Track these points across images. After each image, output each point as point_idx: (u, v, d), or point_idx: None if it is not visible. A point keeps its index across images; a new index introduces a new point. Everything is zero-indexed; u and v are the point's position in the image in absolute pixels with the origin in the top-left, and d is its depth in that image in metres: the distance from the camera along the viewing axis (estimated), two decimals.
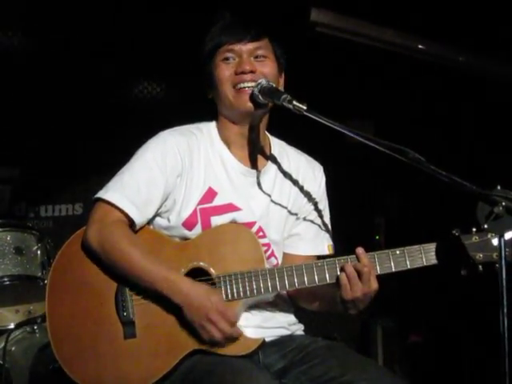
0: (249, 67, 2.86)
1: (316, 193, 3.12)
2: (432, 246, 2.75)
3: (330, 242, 3.14)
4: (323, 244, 3.12)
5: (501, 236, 2.33)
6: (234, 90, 2.89)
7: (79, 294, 2.80)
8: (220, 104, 2.98)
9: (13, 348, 4.35)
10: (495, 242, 2.61)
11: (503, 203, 2.29)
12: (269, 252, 2.97)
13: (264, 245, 2.92)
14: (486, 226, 2.43)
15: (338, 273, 2.74)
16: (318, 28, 5.27)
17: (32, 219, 5.92)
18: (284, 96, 2.73)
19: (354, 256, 2.74)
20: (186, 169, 2.90)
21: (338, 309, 2.85)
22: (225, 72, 2.90)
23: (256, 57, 2.92)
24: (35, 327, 4.46)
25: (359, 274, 2.68)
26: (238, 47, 2.90)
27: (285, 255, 3.08)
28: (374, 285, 2.71)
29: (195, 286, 2.72)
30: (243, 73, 2.86)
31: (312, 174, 3.14)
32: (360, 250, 2.72)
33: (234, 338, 2.70)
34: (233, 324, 2.69)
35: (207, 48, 2.96)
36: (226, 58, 2.91)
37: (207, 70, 2.98)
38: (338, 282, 2.72)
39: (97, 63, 5.83)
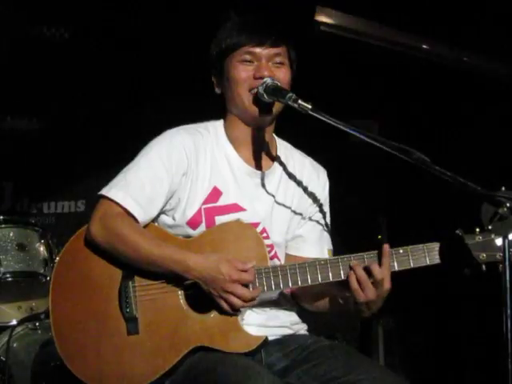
0: (268, 73, 2.85)
1: (320, 196, 3.12)
2: (435, 246, 2.75)
3: (330, 247, 3.14)
4: (325, 246, 3.12)
5: (505, 237, 2.33)
6: (250, 93, 2.88)
7: (83, 290, 2.81)
8: (231, 103, 2.97)
9: (15, 344, 4.35)
10: (499, 241, 2.60)
11: (508, 204, 2.29)
12: (272, 253, 2.97)
13: (267, 246, 2.91)
14: (490, 227, 2.43)
15: (341, 271, 2.75)
16: (322, 27, 5.27)
17: (35, 215, 5.94)
18: (289, 95, 2.73)
19: (358, 255, 2.75)
20: (192, 168, 2.90)
21: (347, 310, 2.87)
22: (242, 74, 2.89)
23: (274, 63, 2.91)
24: (37, 324, 4.46)
25: (372, 274, 2.69)
26: (258, 51, 2.88)
27: (288, 257, 3.08)
28: (387, 285, 2.71)
29: (204, 261, 2.72)
30: (262, 78, 2.85)
31: (316, 177, 3.14)
32: (386, 248, 2.72)
33: (255, 299, 2.71)
34: (251, 282, 2.71)
35: (224, 46, 2.93)
36: (244, 60, 2.90)
37: (218, 65, 2.97)
38: (348, 286, 2.72)
39: (101, 61, 5.84)
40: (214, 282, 2.68)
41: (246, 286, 2.71)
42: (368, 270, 2.70)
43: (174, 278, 2.75)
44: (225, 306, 2.70)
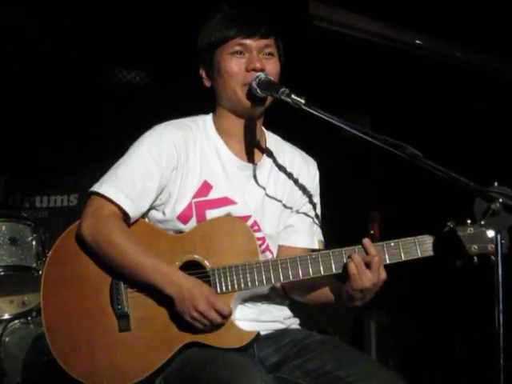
0: (259, 65, 2.84)
1: (310, 187, 3.12)
2: (426, 238, 2.75)
3: (321, 238, 3.14)
4: (315, 237, 3.13)
5: (498, 232, 2.33)
6: (243, 87, 2.87)
7: (74, 287, 2.80)
8: (222, 95, 2.96)
9: (7, 338, 4.36)
10: (490, 233, 2.63)
11: (500, 200, 2.29)
12: (264, 246, 2.97)
13: (259, 239, 2.92)
14: (483, 223, 2.44)
15: (333, 265, 2.76)
16: (315, 22, 5.27)
17: (27, 210, 5.92)
18: (282, 89, 2.72)
19: (349, 248, 2.76)
20: (182, 162, 2.89)
21: (339, 301, 2.88)
22: (235, 67, 2.88)
23: (264, 54, 2.90)
24: (29, 318, 4.47)
25: (368, 264, 2.69)
26: (248, 42, 2.88)
27: (279, 247, 3.08)
28: (383, 274, 2.72)
29: (186, 278, 2.73)
30: (254, 70, 2.84)
31: (306, 168, 3.14)
32: (367, 241, 2.73)
33: (223, 325, 2.71)
34: (224, 315, 2.69)
35: (214, 38, 2.92)
36: (235, 52, 2.89)
37: (208, 59, 2.96)
38: (346, 273, 2.73)
39: (89, 51, 5.83)
40: (189, 299, 2.67)
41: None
42: (365, 259, 2.71)
43: (152, 289, 2.75)
44: (196, 324, 2.70)
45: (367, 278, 2.69)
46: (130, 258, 2.74)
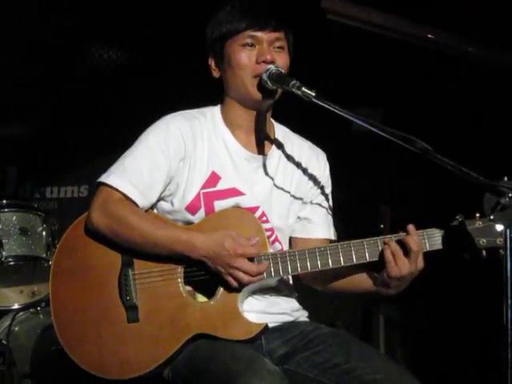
0: (270, 57, 2.84)
1: (321, 178, 3.12)
2: (435, 231, 2.76)
3: (334, 229, 3.16)
4: (331, 228, 3.14)
5: (507, 227, 2.33)
6: (253, 79, 2.87)
7: (83, 278, 2.81)
8: (232, 87, 2.96)
9: (16, 328, 4.37)
10: (499, 227, 2.62)
11: (510, 194, 2.29)
12: (272, 237, 2.97)
13: (267, 230, 2.92)
14: (492, 217, 2.43)
15: (341, 258, 2.76)
16: (328, 15, 5.26)
17: (37, 200, 5.94)
18: (293, 82, 2.72)
19: (357, 241, 2.77)
20: (189, 153, 2.90)
21: (369, 289, 2.91)
22: (245, 59, 2.87)
23: (274, 47, 2.90)
24: (39, 308, 4.48)
25: (408, 251, 2.70)
26: (259, 35, 2.87)
27: (297, 240, 3.10)
28: (421, 263, 2.73)
29: (209, 239, 2.72)
30: (264, 62, 2.84)
31: (316, 160, 3.14)
32: (412, 227, 2.73)
33: (262, 273, 2.72)
34: (256, 254, 2.71)
35: (224, 30, 2.91)
36: (246, 44, 2.88)
37: (218, 49, 2.96)
38: (382, 260, 2.73)
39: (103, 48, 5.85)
40: (220, 259, 2.68)
41: (251, 260, 2.71)
42: (402, 244, 2.72)
43: (177, 259, 2.75)
44: (232, 282, 2.70)
45: (405, 266, 2.70)
46: (148, 235, 2.74)
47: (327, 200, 3.14)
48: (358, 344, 2.84)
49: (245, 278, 2.69)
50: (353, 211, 5.79)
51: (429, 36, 5.59)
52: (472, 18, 5.26)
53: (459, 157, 2.46)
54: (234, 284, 2.71)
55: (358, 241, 2.78)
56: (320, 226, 3.11)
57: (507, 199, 2.29)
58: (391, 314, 5.92)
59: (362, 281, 2.94)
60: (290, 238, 3.13)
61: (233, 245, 2.68)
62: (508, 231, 2.33)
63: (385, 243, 2.73)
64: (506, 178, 2.35)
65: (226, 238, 2.70)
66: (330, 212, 3.15)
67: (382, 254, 2.74)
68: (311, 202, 3.11)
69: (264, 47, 2.87)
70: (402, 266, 2.69)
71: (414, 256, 2.70)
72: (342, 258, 2.77)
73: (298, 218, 3.10)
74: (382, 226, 6.12)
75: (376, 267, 2.81)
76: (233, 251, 2.67)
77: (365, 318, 6.05)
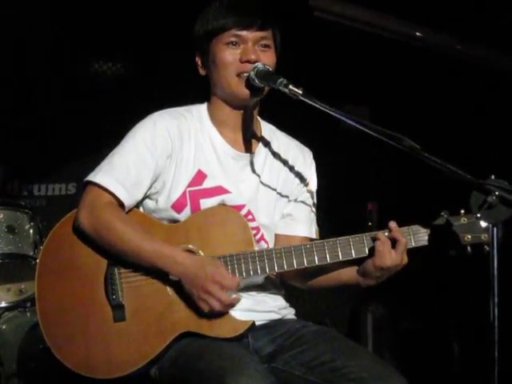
0: (254, 56, 2.84)
1: (306, 176, 3.12)
2: (420, 228, 2.79)
3: (317, 227, 3.16)
4: (313, 226, 3.14)
5: (494, 225, 2.33)
6: (236, 77, 2.87)
7: (69, 277, 2.79)
8: (217, 85, 2.95)
9: (3, 326, 4.36)
10: (483, 223, 2.67)
11: (497, 193, 2.29)
12: (258, 235, 2.97)
13: (253, 228, 2.92)
14: (479, 215, 2.44)
15: (327, 255, 2.78)
16: (316, 13, 5.25)
17: (25, 198, 5.91)
18: (280, 80, 2.72)
19: (343, 238, 2.79)
20: (176, 151, 2.89)
21: (350, 281, 2.93)
22: (229, 57, 2.86)
23: (259, 45, 2.89)
24: (26, 306, 4.47)
25: (395, 243, 2.75)
26: (244, 33, 2.86)
27: (279, 236, 3.08)
28: (405, 258, 2.78)
29: (191, 258, 2.72)
30: (248, 61, 2.83)
31: (302, 158, 3.14)
32: (393, 224, 2.78)
33: (233, 306, 2.70)
34: (233, 289, 2.69)
35: (210, 27, 2.91)
36: (231, 43, 2.88)
37: (203, 47, 2.95)
38: (370, 251, 2.77)
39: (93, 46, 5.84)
40: (197, 280, 2.67)
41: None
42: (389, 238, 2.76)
43: (158, 272, 2.74)
44: (203, 306, 2.69)
45: (391, 258, 2.73)
46: (131, 244, 2.73)
47: (312, 198, 3.14)
48: (346, 342, 2.84)
49: (216, 305, 2.67)
50: (340, 209, 5.80)
51: (416, 34, 5.60)
52: (460, 16, 5.27)
53: (447, 155, 2.46)
54: (205, 309, 2.69)
55: (344, 238, 2.80)
56: (302, 223, 3.10)
57: (494, 197, 2.30)
58: (379, 313, 5.93)
59: (342, 273, 2.96)
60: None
61: (213, 271, 2.68)
62: (495, 229, 2.34)
63: (375, 237, 2.76)
64: (493, 177, 2.36)
65: (209, 263, 2.71)
66: (314, 210, 3.15)
67: (369, 247, 2.78)
68: (296, 200, 3.11)
69: (249, 46, 2.87)
70: (388, 257, 2.73)
71: (401, 248, 2.74)
72: (328, 255, 2.78)
73: (282, 214, 3.10)
74: (369, 223, 6.14)
75: (356, 260, 2.84)
76: (211, 276, 2.66)
77: (353, 316, 6.06)
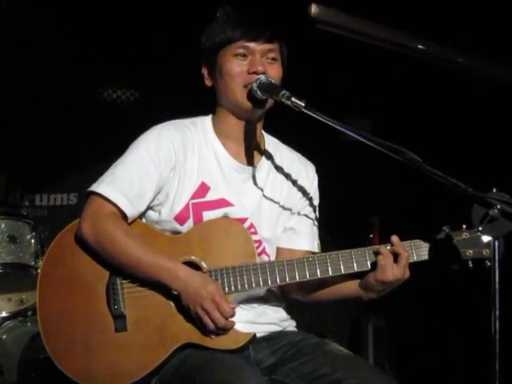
0: (261, 68, 2.85)
1: (309, 190, 3.13)
2: (422, 242, 2.79)
3: (318, 241, 3.16)
4: (316, 240, 3.14)
5: (495, 239, 2.33)
6: (243, 88, 2.87)
7: (70, 286, 2.79)
8: (223, 96, 2.96)
9: (4, 336, 4.36)
10: (485, 238, 2.67)
11: (498, 206, 2.29)
12: (260, 249, 2.97)
13: (255, 241, 2.92)
14: (480, 229, 2.44)
15: (329, 268, 2.77)
16: (318, 25, 5.26)
17: (27, 208, 5.92)
18: (283, 92, 2.73)
19: (345, 251, 2.79)
20: (180, 163, 2.89)
21: (349, 294, 2.94)
22: (236, 68, 2.88)
23: (267, 58, 2.90)
24: (27, 316, 4.47)
25: (397, 257, 2.74)
26: (252, 45, 2.88)
27: (281, 250, 3.09)
28: (407, 272, 2.77)
29: (193, 274, 2.72)
30: (255, 73, 2.84)
31: (305, 172, 3.14)
32: (395, 238, 2.77)
33: (226, 330, 2.70)
34: (227, 316, 2.69)
35: (218, 39, 2.92)
36: (239, 54, 2.89)
37: (210, 58, 2.96)
38: (373, 265, 2.77)
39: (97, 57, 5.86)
40: (195, 297, 2.67)
41: None
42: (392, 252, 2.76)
43: (158, 285, 2.74)
44: (199, 324, 2.70)
45: (393, 272, 2.73)
46: (132, 256, 2.73)
47: (314, 212, 3.15)
48: (346, 354, 2.84)
49: (210, 325, 2.68)
50: (342, 222, 5.79)
51: (419, 46, 5.60)
52: (463, 29, 5.28)
53: (448, 168, 2.46)
54: (200, 324, 2.70)
55: (346, 251, 2.79)
56: (305, 237, 3.11)
57: (495, 211, 2.30)
58: (380, 324, 5.92)
59: (343, 286, 2.96)
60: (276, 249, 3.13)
61: (214, 291, 2.68)
62: (496, 243, 2.34)
63: (377, 251, 2.76)
64: (494, 190, 2.36)
65: (210, 282, 2.71)
66: (316, 224, 3.16)
67: (371, 260, 2.77)
68: (298, 213, 3.11)
69: (256, 58, 2.88)
70: (390, 271, 2.72)
71: (403, 262, 2.73)
72: (330, 268, 2.78)
73: (284, 228, 3.10)
74: (371, 236, 6.13)
75: (357, 273, 2.84)
76: (211, 295, 2.67)
77: (353, 328, 6.05)
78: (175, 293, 2.72)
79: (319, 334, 3.09)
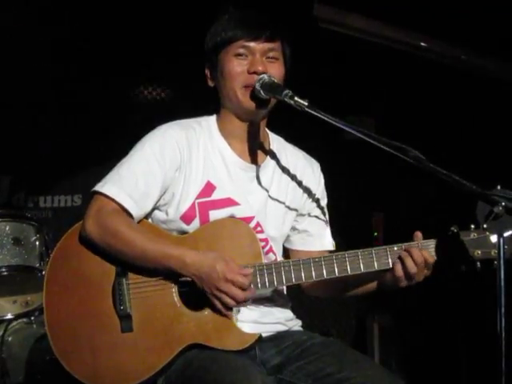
0: (261, 68, 2.84)
1: (316, 189, 3.13)
2: (430, 243, 2.77)
3: (333, 241, 3.17)
4: (330, 239, 3.16)
5: (500, 235, 2.33)
6: (244, 88, 2.88)
7: (76, 287, 2.79)
8: (225, 97, 2.96)
9: (10, 338, 4.36)
10: (493, 238, 2.63)
11: (503, 203, 2.29)
12: (267, 247, 2.97)
13: (262, 240, 2.92)
14: (485, 226, 2.44)
15: (336, 269, 2.76)
16: (320, 24, 5.26)
17: (31, 209, 5.92)
18: (286, 92, 2.72)
19: (352, 252, 2.76)
20: (185, 162, 2.89)
21: (371, 289, 2.96)
22: (237, 68, 2.88)
23: (267, 57, 2.90)
24: (32, 318, 4.47)
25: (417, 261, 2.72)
26: (252, 45, 2.88)
27: (298, 252, 3.11)
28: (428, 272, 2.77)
29: (200, 258, 2.71)
30: (255, 73, 2.84)
31: (311, 170, 3.14)
32: (419, 234, 2.78)
33: (249, 299, 2.71)
34: (245, 287, 2.68)
35: (219, 39, 2.92)
36: (239, 54, 2.89)
37: (212, 58, 2.97)
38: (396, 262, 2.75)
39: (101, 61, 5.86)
40: (208, 280, 2.67)
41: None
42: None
43: (168, 274, 2.74)
44: (217, 304, 2.70)
45: (416, 276, 2.73)
46: (139, 248, 2.73)
47: (324, 211, 3.15)
48: (352, 353, 2.84)
49: (231, 302, 2.68)
50: (347, 219, 5.79)
51: (422, 44, 5.60)
52: (465, 26, 5.27)
53: (453, 165, 2.46)
54: (219, 306, 2.70)
55: (354, 251, 2.78)
56: (319, 238, 3.13)
57: (500, 208, 2.29)
58: (386, 323, 5.92)
59: (365, 282, 2.96)
60: (290, 251, 3.15)
61: (224, 269, 2.67)
62: (501, 240, 2.33)
63: (400, 258, 2.74)
64: (499, 187, 2.35)
65: (218, 261, 2.69)
66: (328, 223, 3.16)
67: (393, 259, 2.76)
68: (309, 215, 3.12)
69: (256, 58, 2.88)
70: (412, 269, 2.72)
71: (428, 266, 2.74)
72: (336, 269, 2.77)
73: (297, 230, 3.12)
74: (375, 233, 6.13)
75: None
76: (222, 275, 2.66)
77: (359, 327, 6.05)
78: (188, 279, 2.71)
79: (324, 332, 3.09)
